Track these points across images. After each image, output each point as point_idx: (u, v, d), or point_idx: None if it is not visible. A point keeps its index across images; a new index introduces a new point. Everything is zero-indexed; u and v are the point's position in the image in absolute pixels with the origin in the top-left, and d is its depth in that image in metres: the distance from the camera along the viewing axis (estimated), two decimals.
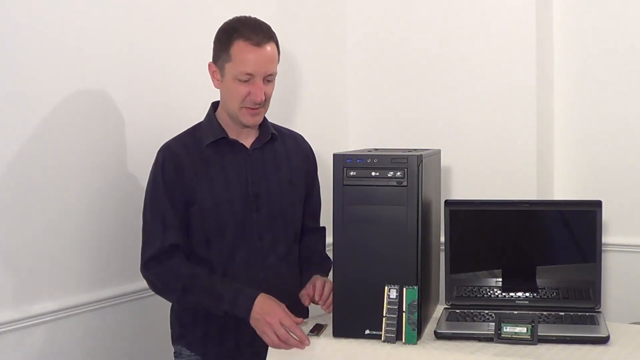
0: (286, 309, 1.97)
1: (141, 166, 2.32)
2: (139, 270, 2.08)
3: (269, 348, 1.96)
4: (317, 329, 1.97)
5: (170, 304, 2.20)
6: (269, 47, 2.05)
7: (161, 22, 2.46)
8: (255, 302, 1.97)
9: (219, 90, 2.12)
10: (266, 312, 1.95)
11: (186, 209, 2.08)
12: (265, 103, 2.08)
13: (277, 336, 1.93)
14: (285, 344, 1.93)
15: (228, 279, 2.06)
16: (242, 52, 2.03)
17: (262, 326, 1.95)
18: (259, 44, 2.03)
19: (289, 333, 1.92)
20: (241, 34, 2.03)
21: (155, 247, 2.06)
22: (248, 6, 2.29)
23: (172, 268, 2.05)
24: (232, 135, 2.13)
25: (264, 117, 2.19)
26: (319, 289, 2.08)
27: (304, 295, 2.13)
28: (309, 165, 2.27)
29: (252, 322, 1.97)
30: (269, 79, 2.07)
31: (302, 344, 1.92)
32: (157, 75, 2.45)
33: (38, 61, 2.11)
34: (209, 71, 2.11)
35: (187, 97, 2.48)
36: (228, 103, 2.09)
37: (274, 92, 2.10)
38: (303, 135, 2.31)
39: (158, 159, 2.11)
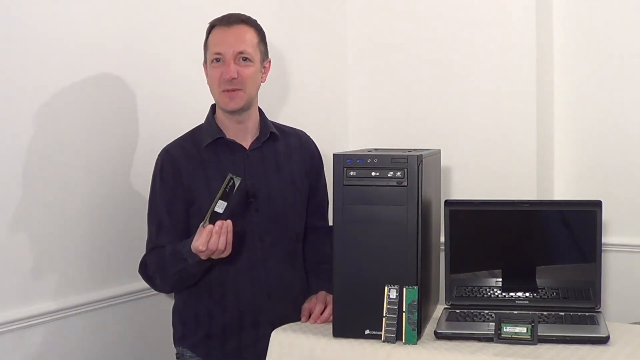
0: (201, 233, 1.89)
1: (142, 166, 2.32)
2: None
3: (269, 348, 1.96)
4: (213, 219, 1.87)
5: (173, 304, 2.21)
6: (240, 27, 2.06)
7: (163, 23, 2.46)
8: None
9: None
10: (197, 248, 1.88)
11: (186, 211, 2.09)
12: (243, 85, 2.05)
13: (211, 246, 1.87)
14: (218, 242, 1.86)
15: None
16: (213, 35, 2.08)
17: (206, 254, 1.89)
18: (228, 24, 2.06)
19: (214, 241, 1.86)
20: (215, 22, 2.09)
21: (148, 250, 2.10)
22: (249, 6, 2.28)
23: (147, 258, 2.09)
24: (229, 135, 2.12)
25: (263, 115, 2.18)
26: (317, 313, 2.03)
27: (305, 309, 2.08)
28: (313, 163, 2.26)
29: (203, 256, 1.91)
30: (242, 58, 2.05)
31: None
32: (162, 75, 2.45)
33: (39, 62, 2.11)
34: (204, 72, 2.12)
35: (192, 98, 2.48)
36: (211, 92, 2.10)
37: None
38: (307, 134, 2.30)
39: (157, 163, 2.12)
